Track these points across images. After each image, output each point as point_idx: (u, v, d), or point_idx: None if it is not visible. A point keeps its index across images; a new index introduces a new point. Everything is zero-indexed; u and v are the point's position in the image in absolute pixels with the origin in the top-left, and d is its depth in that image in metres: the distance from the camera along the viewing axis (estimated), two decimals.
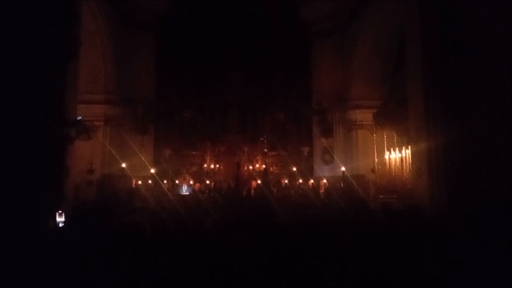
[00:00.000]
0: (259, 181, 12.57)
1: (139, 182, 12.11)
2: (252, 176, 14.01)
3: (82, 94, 10.33)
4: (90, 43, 10.80)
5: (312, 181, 12.88)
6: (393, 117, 10.25)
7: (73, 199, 7.39)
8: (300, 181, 13.08)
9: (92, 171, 11.08)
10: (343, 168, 11.70)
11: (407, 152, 9.62)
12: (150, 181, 12.41)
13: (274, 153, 14.89)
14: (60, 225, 4.91)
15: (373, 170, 11.54)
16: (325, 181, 12.35)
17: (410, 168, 9.28)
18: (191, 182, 13.94)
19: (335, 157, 13.32)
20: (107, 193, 10.40)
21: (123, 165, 11.20)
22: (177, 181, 13.79)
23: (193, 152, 15.04)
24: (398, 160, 10.21)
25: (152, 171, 12.22)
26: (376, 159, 11.44)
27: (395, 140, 10.64)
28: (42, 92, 6.37)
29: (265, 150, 14.31)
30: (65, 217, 5.03)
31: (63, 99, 7.05)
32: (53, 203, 5.47)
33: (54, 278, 2.89)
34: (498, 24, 6.34)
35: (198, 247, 3.78)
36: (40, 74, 6.27)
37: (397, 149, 10.33)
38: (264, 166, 13.86)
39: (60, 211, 5.03)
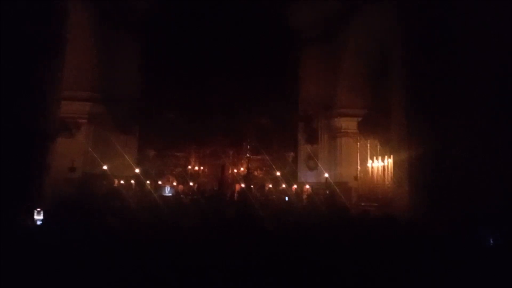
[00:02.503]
0: (243, 185, 12.57)
1: (122, 182, 11.97)
2: (236, 179, 14.00)
3: (66, 90, 10.18)
4: (75, 40, 10.65)
5: (295, 186, 12.94)
6: (376, 127, 10.42)
7: (52, 198, 7.25)
8: (284, 186, 13.13)
9: (74, 170, 10.90)
10: (326, 175, 11.80)
11: (389, 161, 9.78)
12: (132, 181, 12.27)
13: (258, 157, 14.93)
14: (38, 223, 4.84)
15: (355, 178, 11.67)
16: (308, 187, 12.42)
17: (392, 177, 9.43)
18: (174, 184, 13.85)
19: (319, 164, 13.42)
20: (87, 192, 10.24)
21: (105, 167, 11.07)
22: (160, 182, 13.68)
23: (178, 154, 14.96)
24: (380, 168, 10.37)
25: (137, 171, 12.10)
26: (359, 167, 11.58)
27: (378, 149, 10.80)
28: (25, 88, 6.27)
29: (248, 155, 14.33)
30: (44, 215, 4.95)
31: (46, 95, 6.95)
32: (31, 200, 5.38)
33: (31, 275, 2.86)
34: (480, 36, 6.50)
35: (176, 248, 3.77)
36: (23, 71, 6.18)
37: (379, 158, 10.49)
38: (248, 170, 13.87)
39: (38, 209, 4.94)
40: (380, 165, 10.40)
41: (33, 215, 4.85)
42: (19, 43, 6.19)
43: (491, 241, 3.84)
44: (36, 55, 6.55)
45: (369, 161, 11.03)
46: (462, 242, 3.97)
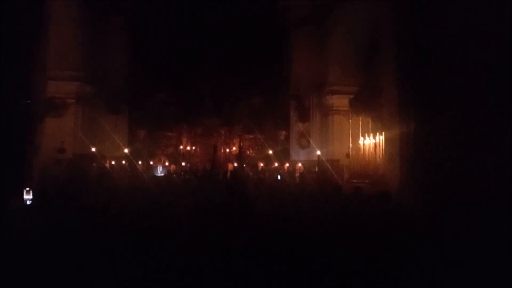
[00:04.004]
0: (235, 164, 12.57)
1: (113, 163, 11.89)
2: (228, 159, 13.99)
3: (52, 70, 9.95)
4: (61, 19, 10.36)
5: (287, 165, 12.99)
6: (368, 104, 10.40)
7: (41, 178, 7.17)
8: (276, 164, 13.16)
9: (64, 151, 10.77)
10: (318, 152, 11.82)
11: (380, 138, 9.80)
12: (124, 162, 12.20)
13: (251, 136, 14.90)
14: (28, 202, 4.79)
15: (347, 155, 11.71)
16: (300, 165, 12.47)
17: (383, 154, 9.48)
18: (167, 164, 13.80)
19: (311, 142, 13.44)
20: (78, 173, 10.16)
21: (93, 149, 10.96)
22: (151, 163, 13.62)
23: (169, 134, 14.85)
24: (372, 145, 10.40)
25: (126, 151, 12.00)
26: (351, 144, 11.62)
27: (369, 126, 10.81)
28: (10, 68, 6.10)
29: (242, 133, 14.29)
30: (33, 195, 4.90)
31: (32, 75, 6.77)
32: (20, 181, 5.31)
33: (23, 255, 2.83)
34: (472, 14, 6.44)
35: (170, 228, 3.76)
36: (7, 50, 5.98)
37: (371, 135, 10.51)
38: (240, 149, 13.86)
39: (27, 189, 4.88)
40: (371, 142, 10.43)
41: (22, 194, 4.79)
42: (3, 23, 5.98)
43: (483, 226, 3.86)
44: (20, 34, 6.35)
45: (361, 139, 11.06)
46: (454, 222, 4.02)
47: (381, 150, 9.78)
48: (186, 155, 14.49)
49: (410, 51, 7.28)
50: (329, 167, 11.29)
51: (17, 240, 2.86)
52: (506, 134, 5.90)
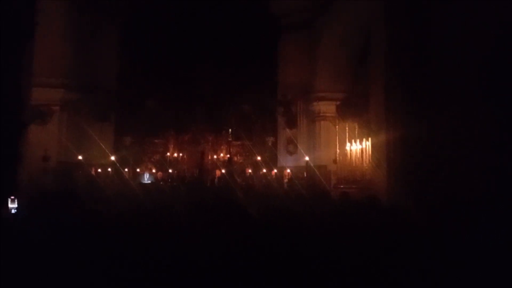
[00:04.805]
0: (223, 171, 12.54)
1: (99, 170, 11.73)
2: (216, 165, 13.94)
3: (37, 77, 9.80)
4: (48, 24, 10.24)
5: (275, 171, 13.02)
6: (355, 109, 10.54)
7: (27, 187, 7.03)
8: (264, 171, 13.18)
9: (48, 159, 10.59)
10: (306, 158, 11.90)
11: (367, 144, 9.93)
12: (109, 169, 12.04)
13: (238, 142, 14.88)
14: (13, 211, 4.68)
15: (334, 161, 11.82)
16: (288, 171, 12.52)
17: (370, 159, 9.60)
18: (153, 171, 13.68)
19: (299, 148, 13.51)
20: (64, 181, 10.00)
21: (80, 157, 10.85)
22: (138, 170, 13.48)
23: (156, 140, 14.74)
24: (358, 151, 10.53)
25: (112, 158, 11.86)
26: (338, 150, 11.73)
27: (356, 132, 10.95)
28: None
29: (229, 139, 14.24)
30: (19, 204, 4.79)
31: (18, 81, 6.65)
32: (5, 189, 5.19)
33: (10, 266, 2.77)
34: (466, 16, 6.50)
35: (158, 236, 3.73)
36: None
37: (358, 141, 10.64)
38: (228, 155, 13.83)
39: (12, 197, 4.77)
40: (358, 147, 10.56)
41: (7, 203, 4.68)
42: None
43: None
44: (7, 38, 6.24)
45: (348, 144, 11.18)
46: (441, 225, 4.07)
47: (367, 155, 9.91)
48: (173, 162, 14.38)
49: (401, 54, 7.38)
50: (317, 173, 11.37)
51: (10, 245, 2.80)
52: (504, 135, 5.95)
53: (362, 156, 10.33)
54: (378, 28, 8.39)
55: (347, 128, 11.46)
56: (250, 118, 15.10)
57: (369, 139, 9.72)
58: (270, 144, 14.65)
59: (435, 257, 3.10)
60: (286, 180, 12.06)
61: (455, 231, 3.48)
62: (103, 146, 12.15)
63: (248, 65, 14.82)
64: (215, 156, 14.59)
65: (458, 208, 4.58)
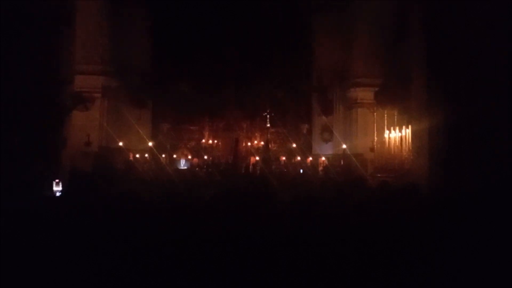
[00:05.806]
0: (257, 158, 12.55)
1: (137, 156, 12.07)
2: (250, 152, 13.97)
3: (78, 64, 10.14)
4: (86, 12, 10.54)
5: (310, 158, 12.87)
6: (394, 96, 10.14)
7: (70, 170, 7.33)
8: (299, 158, 13.06)
9: (90, 144, 11.01)
10: (344, 146, 11.65)
11: (407, 132, 9.56)
12: (147, 155, 12.36)
13: (272, 130, 14.80)
14: (57, 194, 4.88)
15: (371, 149, 11.50)
16: (323, 158, 12.33)
17: (410, 148, 9.24)
18: (189, 157, 13.91)
19: (334, 135, 13.25)
20: (105, 166, 10.36)
21: (120, 143, 11.17)
22: (174, 156, 13.76)
23: (191, 127, 14.94)
24: (397, 139, 10.17)
25: (150, 144, 12.16)
26: (375, 138, 11.39)
27: (395, 119, 10.55)
28: (39, 61, 6.22)
29: (268, 125, 14.11)
30: (62, 187, 4.99)
31: (60, 68, 6.90)
32: (50, 172, 5.43)
33: (52, 247, 2.87)
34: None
35: (193, 219, 3.76)
36: (36, 41, 6.10)
37: (397, 128, 10.26)
38: (264, 142, 13.78)
39: (57, 180, 4.98)
40: (397, 135, 10.19)
41: (52, 186, 4.89)
42: (31, 17, 6.10)
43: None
44: (47, 28, 6.46)
45: (386, 132, 10.82)
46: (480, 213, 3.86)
47: (407, 143, 9.54)
48: (209, 149, 14.55)
49: (442, 40, 7.01)
50: (354, 161, 11.12)
51: (52, 229, 2.91)
52: None
53: (401, 144, 9.97)
54: (417, 11, 7.97)
55: (385, 115, 11.07)
56: (285, 104, 14.93)
57: (409, 126, 9.35)
58: (305, 131, 14.47)
59: (479, 246, 2.96)
60: (321, 168, 11.90)
61: (495, 220, 3.29)
62: (142, 132, 12.47)
63: (283, 50, 14.61)
64: (249, 143, 14.62)
65: (499, 197, 4.32)
